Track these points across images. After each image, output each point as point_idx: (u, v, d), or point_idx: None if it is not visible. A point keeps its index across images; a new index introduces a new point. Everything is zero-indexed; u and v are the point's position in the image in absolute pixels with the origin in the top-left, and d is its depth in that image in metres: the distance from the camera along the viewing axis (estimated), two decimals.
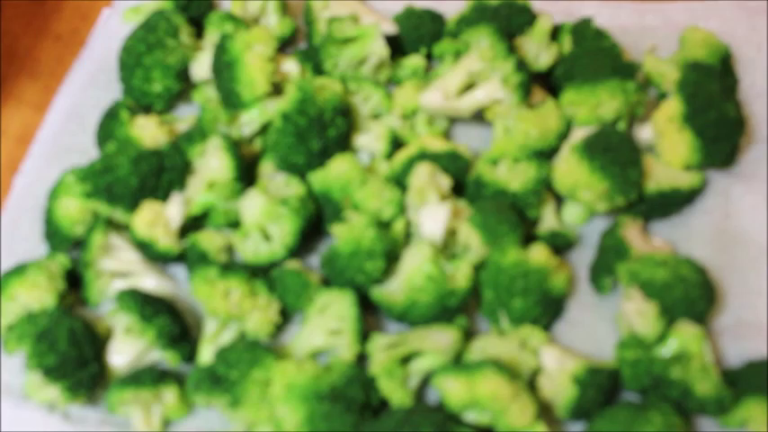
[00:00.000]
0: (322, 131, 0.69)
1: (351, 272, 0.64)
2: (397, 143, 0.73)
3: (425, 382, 0.62)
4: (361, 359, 0.62)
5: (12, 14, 0.89)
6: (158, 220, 0.67)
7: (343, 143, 0.71)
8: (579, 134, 0.69)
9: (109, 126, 0.74)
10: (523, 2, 0.76)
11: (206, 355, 0.64)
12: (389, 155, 0.72)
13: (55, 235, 0.70)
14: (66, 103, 0.80)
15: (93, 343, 0.62)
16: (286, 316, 0.66)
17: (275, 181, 0.70)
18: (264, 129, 0.73)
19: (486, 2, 0.76)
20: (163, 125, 0.74)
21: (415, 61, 0.77)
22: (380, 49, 0.75)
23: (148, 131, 0.72)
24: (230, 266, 0.65)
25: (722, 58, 0.74)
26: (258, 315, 0.64)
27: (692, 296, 0.61)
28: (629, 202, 0.66)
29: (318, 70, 0.77)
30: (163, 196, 0.69)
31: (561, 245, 0.67)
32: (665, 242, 0.67)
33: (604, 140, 0.66)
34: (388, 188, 0.68)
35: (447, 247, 0.66)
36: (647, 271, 0.62)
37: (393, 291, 0.64)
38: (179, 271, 0.70)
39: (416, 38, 0.78)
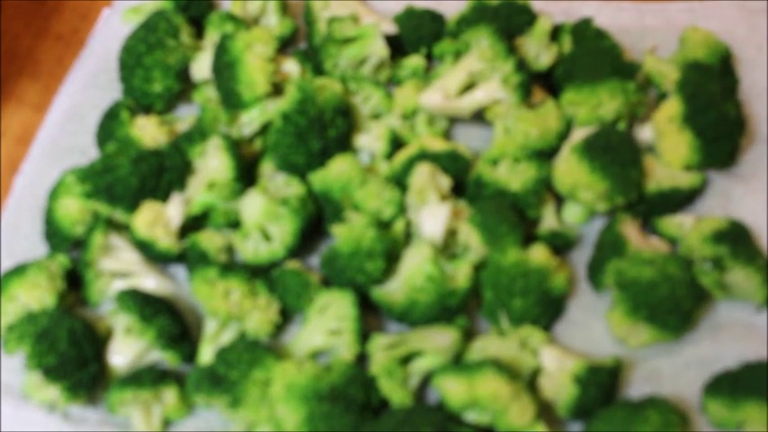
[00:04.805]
0: (322, 131, 0.69)
1: (351, 272, 0.64)
2: (397, 143, 0.73)
3: (425, 382, 0.62)
4: (362, 359, 0.62)
5: (12, 14, 0.89)
6: (158, 220, 0.67)
7: (344, 143, 0.71)
8: (579, 134, 0.69)
9: (109, 126, 0.74)
10: (523, 2, 0.76)
11: (206, 355, 0.64)
12: (389, 155, 0.72)
13: (55, 235, 0.70)
14: (67, 104, 0.80)
15: (93, 343, 0.62)
16: (286, 316, 0.66)
17: (275, 181, 0.70)
18: (264, 129, 0.73)
19: (486, 2, 0.76)
20: (163, 125, 0.74)
21: (415, 61, 0.77)
22: (380, 49, 0.75)
23: (148, 131, 0.72)
24: (230, 266, 0.65)
25: (722, 58, 0.74)
26: (258, 315, 0.64)
27: (678, 294, 0.61)
28: (629, 202, 0.66)
29: (318, 70, 0.77)
30: (163, 196, 0.69)
31: (561, 245, 0.67)
32: (662, 240, 0.67)
33: (604, 140, 0.66)
34: (388, 188, 0.68)
35: (447, 248, 0.66)
36: (633, 269, 0.62)
37: (393, 291, 0.64)
38: (179, 271, 0.70)
39: (416, 38, 0.78)
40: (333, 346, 0.63)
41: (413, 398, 0.60)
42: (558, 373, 0.60)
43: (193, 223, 0.69)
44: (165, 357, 0.63)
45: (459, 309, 0.64)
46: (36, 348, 0.60)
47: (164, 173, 0.69)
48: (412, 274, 0.63)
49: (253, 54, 0.71)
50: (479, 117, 0.73)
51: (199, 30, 0.79)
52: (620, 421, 0.56)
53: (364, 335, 0.63)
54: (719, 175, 0.70)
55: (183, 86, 0.77)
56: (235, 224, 0.70)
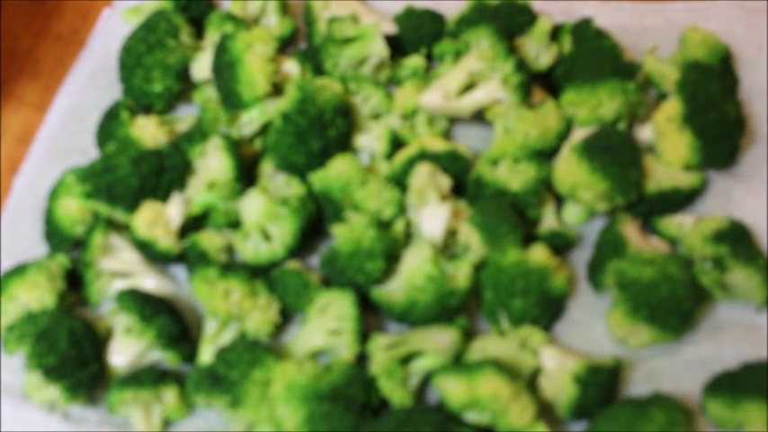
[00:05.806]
0: (322, 131, 0.69)
1: (351, 272, 0.64)
2: (397, 143, 0.73)
3: (425, 382, 0.62)
4: (362, 359, 0.62)
5: (12, 14, 0.89)
6: (158, 220, 0.67)
7: (344, 143, 0.71)
8: (579, 134, 0.69)
9: (109, 126, 0.74)
10: (523, 2, 0.76)
11: (206, 355, 0.64)
12: (389, 155, 0.72)
13: (55, 235, 0.70)
14: (67, 103, 0.80)
15: (93, 343, 0.62)
16: (286, 316, 0.66)
17: (275, 181, 0.70)
18: (264, 129, 0.73)
19: (486, 2, 0.76)
20: (163, 125, 0.74)
21: (415, 61, 0.77)
22: (380, 49, 0.75)
23: (148, 131, 0.72)
24: (230, 266, 0.65)
25: (722, 58, 0.74)
26: (258, 315, 0.64)
27: (678, 295, 0.61)
28: (629, 202, 0.66)
29: (318, 70, 0.77)
30: (163, 196, 0.69)
31: (561, 245, 0.67)
32: (662, 240, 0.67)
33: (604, 140, 0.66)
34: (388, 188, 0.68)
35: (447, 248, 0.66)
36: (633, 269, 0.62)
37: (393, 291, 0.64)
38: (179, 271, 0.70)
39: (416, 38, 0.78)
40: (333, 346, 0.63)
41: (413, 398, 0.60)
42: (558, 373, 0.60)
43: (193, 223, 0.69)
44: (165, 357, 0.63)
45: (459, 309, 0.64)
46: (36, 348, 0.60)
47: (164, 173, 0.69)
48: (412, 274, 0.63)
49: (253, 54, 0.71)
50: (479, 117, 0.73)
51: (199, 30, 0.79)
52: (624, 420, 0.56)
53: (364, 335, 0.63)
54: (719, 175, 0.70)
55: (183, 86, 0.77)
56: (235, 224, 0.70)
